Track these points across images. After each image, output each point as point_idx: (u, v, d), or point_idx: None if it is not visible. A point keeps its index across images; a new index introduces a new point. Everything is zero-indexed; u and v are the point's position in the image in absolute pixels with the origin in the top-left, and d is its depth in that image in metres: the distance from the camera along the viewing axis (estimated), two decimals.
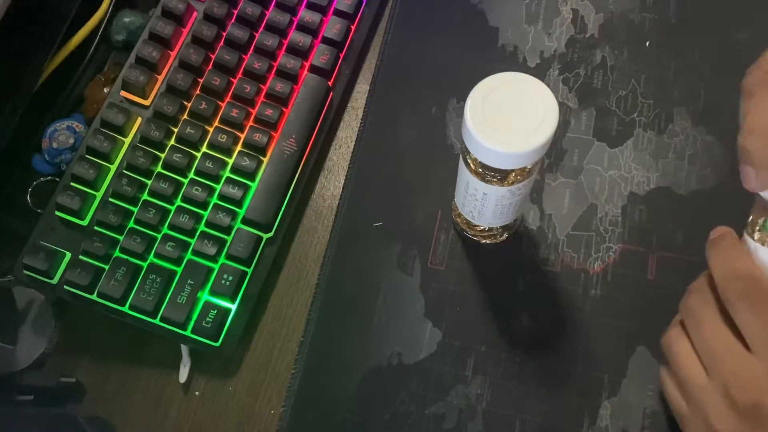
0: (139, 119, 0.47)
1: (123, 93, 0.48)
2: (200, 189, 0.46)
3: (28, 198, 0.49)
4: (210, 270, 0.45)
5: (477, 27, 0.53)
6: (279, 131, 0.48)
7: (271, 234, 0.47)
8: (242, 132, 0.48)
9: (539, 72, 0.51)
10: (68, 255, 0.45)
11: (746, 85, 0.36)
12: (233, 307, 0.45)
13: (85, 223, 0.45)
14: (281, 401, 0.44)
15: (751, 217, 0.37)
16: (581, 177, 0.48)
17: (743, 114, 0.36)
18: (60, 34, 0.50)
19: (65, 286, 0.44)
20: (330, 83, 0.50)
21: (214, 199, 0.46)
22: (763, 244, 0.35)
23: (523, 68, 0.51)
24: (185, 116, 0.48)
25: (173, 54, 0.49)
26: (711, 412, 0.34)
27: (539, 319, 0.45)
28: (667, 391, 0.39)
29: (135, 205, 0.45)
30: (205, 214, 0.46)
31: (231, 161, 0.47)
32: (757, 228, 0.36)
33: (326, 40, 0.51)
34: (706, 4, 0.52)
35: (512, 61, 0.51)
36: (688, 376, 0.36)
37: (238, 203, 0.46)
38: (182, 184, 0.46)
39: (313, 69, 0.50)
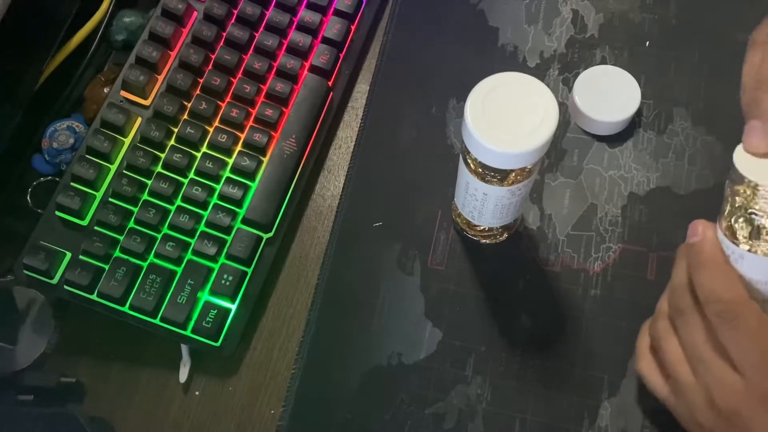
0: (139, 119, 0.47)
1: (123, 93, 0.48)
2: (200, 189, 0.46)
3: (28, 198, 0.49)
4: (210, 270, 0.45)
5: (477, 27, 0.53)
6: (279, 131, 0.48)
7: (271, 234, 0.47)
8: (242, 132, 0.48)
9: (539, 72, 0.51)
10: (68, 255, 0.44)
11: (756, 36, 0.34)
12: (233, 307, 0.45)
13: (85, 223, 0.45)
14: (281, 401, 0.44)
15: (726, 211, 0.33)
16: (581, 177, 0.48)
17: (751, 65, 0.33)
18: (60, 34, 0.50)
19: (65, 286, 0.44)
20: (330, 83, 0.50)
21: (214, 199, 0.46)
22: (749, 250, 0.33)
23: (523, 68, 0.51)
24: (185, 116, 0.48)
25: (173, 54, 0.49)
26: (696, 408, 0.36)
27: (539, 319, 0.45)
28: (649, 376, 0.39)
29: (135, 205, 0.45)
30: (205, 214, 0.46)
31: (231, 161, 0.47)
32: (743, 233, 0.33)
33: (326, 40, 0.51)
34: (707, 4, 0.52)
35: (512, 61, 0.51)
36: (676, 373, 0.37)
37: (238, 203, 0.46)
38: (182, 184, 0.46)
39: (313, 69, 0.50)
